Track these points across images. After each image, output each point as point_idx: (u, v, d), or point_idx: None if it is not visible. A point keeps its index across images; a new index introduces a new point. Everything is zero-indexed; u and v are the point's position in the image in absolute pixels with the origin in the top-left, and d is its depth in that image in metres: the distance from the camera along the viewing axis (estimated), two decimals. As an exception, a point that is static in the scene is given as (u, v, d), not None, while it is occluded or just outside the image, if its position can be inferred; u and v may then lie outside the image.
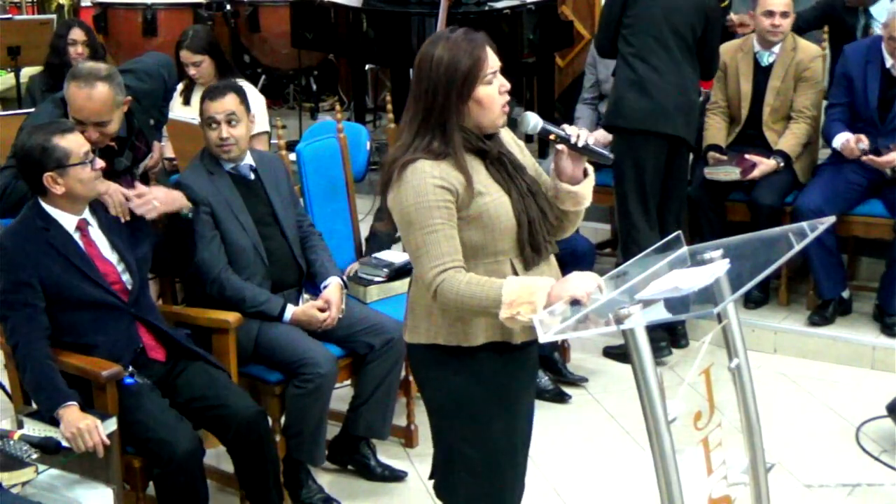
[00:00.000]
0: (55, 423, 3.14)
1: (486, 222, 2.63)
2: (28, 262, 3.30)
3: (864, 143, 4.95)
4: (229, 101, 3.85)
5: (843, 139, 5.01)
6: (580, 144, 2.66)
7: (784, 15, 5.19)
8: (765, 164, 5.12)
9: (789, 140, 5.19)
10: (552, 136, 2.69)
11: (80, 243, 3.40)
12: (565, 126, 2.70)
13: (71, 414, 3.14)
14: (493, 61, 2.63)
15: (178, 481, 3.29)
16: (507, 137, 2.79)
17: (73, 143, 3.33)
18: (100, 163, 3.39)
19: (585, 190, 2.75)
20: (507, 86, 2.66)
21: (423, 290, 2.65)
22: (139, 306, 3.48)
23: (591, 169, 2.77)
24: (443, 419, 2.81)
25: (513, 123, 2.78)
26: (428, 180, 2.57)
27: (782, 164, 5.12)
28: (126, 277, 3.46)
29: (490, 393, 2.73)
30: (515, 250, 2.68)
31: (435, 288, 2.57)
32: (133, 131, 3.96)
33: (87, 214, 3.44)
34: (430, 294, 2.59)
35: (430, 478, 3.04)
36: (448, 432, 2.81)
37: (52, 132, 3.34)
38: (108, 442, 3.13)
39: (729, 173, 5.17)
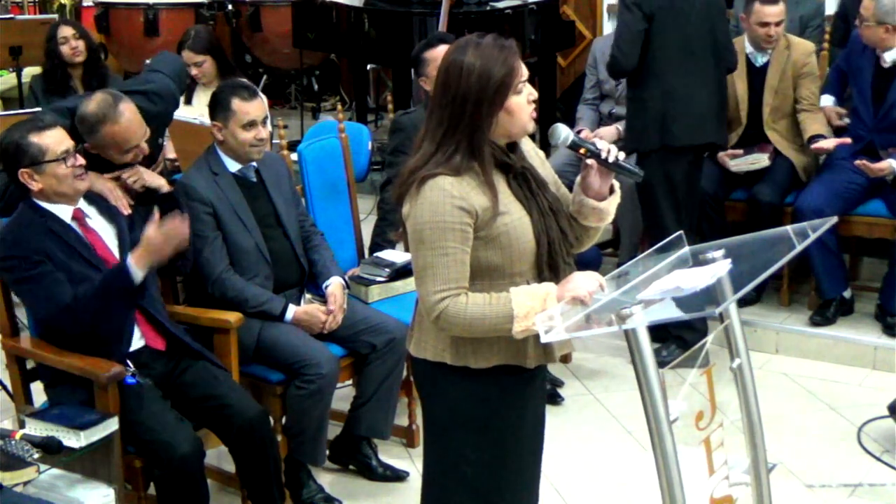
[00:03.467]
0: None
1: (506, 243, 2.54)
2: (35, 246, 3.31)
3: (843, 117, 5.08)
4: (260, 103, 3.88)
5: (829, 101, 5.18)
6: (611, 160, 2.59)
7: (778, 24, 5.15)
8: (828, 141, 5.04)
9: (815, 126, 5.13)
10: (582, 151, 2.60)
11: (80, 231, 3.41)
12: (596, 140, 2.62)
13: None
14: (523, 69, 2.53)
15: (178, 483, 3.29)
16: (528, 147, 2.70)
17: (50, 140, 3.33)
18: (80, 160, 3.38)
19: (611, 207, 2.68)
20: (535, 94, 2.57)
21: None
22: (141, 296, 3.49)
23: (617, 185, 2.69)
24: (443, 435, 2.72)
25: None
26: (447, 199, 2.47)
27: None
28: None
29: (498, 412, 2.65)
30: (533, 271, 2.58)
31: (438, 313, 2.49)
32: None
33: (83, 205, 3.45)
34: (431, 317, 2.51)
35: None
36: (447, 449, 2.71)
37: (29, 129, 3.34)
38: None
39: (757, 161, 5.15)
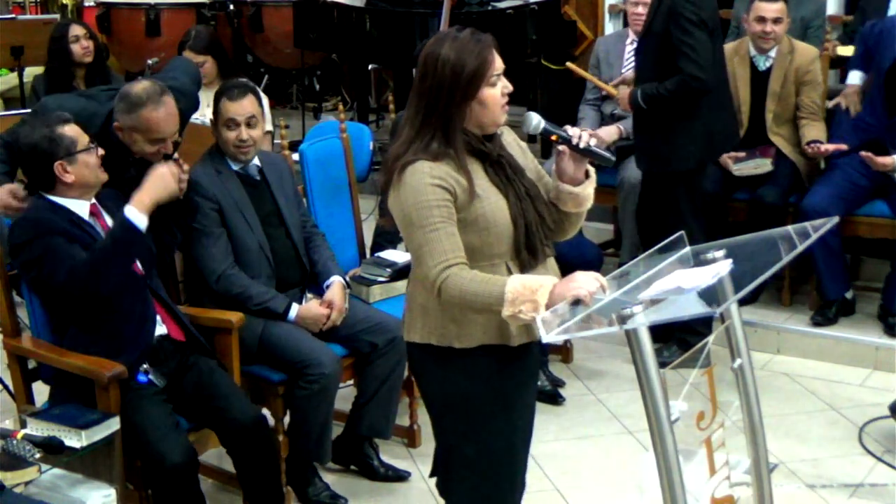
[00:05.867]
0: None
1: (483, 226, 2.63)
2: (53, 227, 3.31)
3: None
4: (248, 104, 3.86)
5: (857, 78, 5.11)
6: (581, 146, 2.67)
7: (776, 21, 5.13)
8: (825, 145, 5.04)
9: (814, 132, 5.13)
10: (554, 137, 2.68)
11: (98, 226, 3.42)
12: (567, 127, 2.69)
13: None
14: (497, 63, 2.63)
15: (169, 491, 3.30)
16: (510, 139, 2.80)
17: (76, 132, 3.38)
18: (100, 150, 3.42)
19: (587, 191, 2.75)
20: (510, 88, 2.66)
21: (419, 288, 2.67)
22: (155, 284, 3.53)
23: (592, 170, 2.76)
24: (441, 417, 2.82)
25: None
26: (426, 180, 2.57)
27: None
28: (138, 259, 3.47)
29: (487, 391, 2.73)
30: (511, 254, 2.67)
31: (439, 285, 2.56)
32: None
33: (94, 201, 3.47)
34: (434, 291, 2.58)
35: (432, 475, 3.05)
36: (446, 430, 2.82)
37: (53, 123, 3.37)
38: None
39: (760, 166, 5.15)
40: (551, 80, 6.82)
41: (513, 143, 2.80)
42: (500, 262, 2.66)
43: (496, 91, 2.63)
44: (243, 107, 3.84)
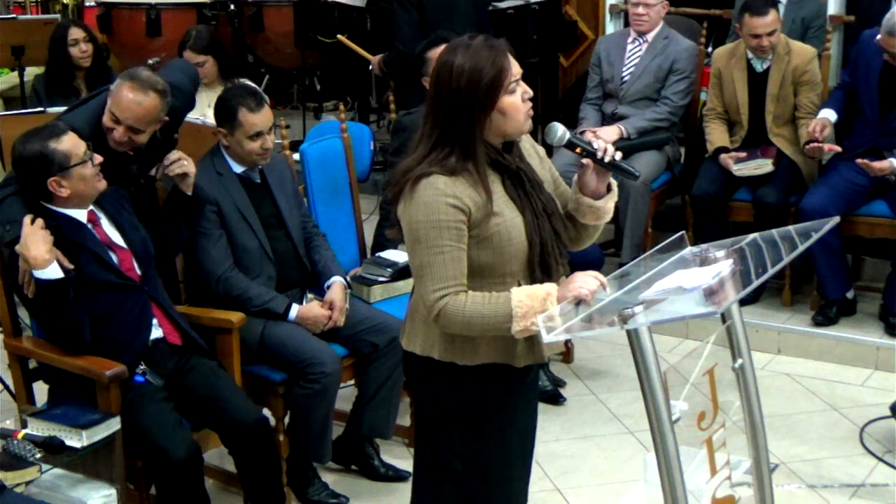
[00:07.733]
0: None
1: (497, 243, 2.54)
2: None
3: (825, 147, 5.00)
4: (267, 112, 3.87)
5: (823, 117, 5.05)
6: (606, 160, 2.60)
7: (771, 34, 5.11)
8: (823, 144, 5.02)
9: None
10: (578, 150, 2.61)
11: (95, 233, 3.42)
12: (592, 139, 2.63)
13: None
14: (515, 69, 2.53)
15: (175, 487, 3.30)
16: (527, 145, 2.72)
17: (70, 144, 3.34)
18: (98, 157, 3.40)
19: (608, 205, 2.69)
20: (530, 93, 2.56)
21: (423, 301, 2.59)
22: (151, 287, 3.51)
23: (615, 184, 2.70)
24: (432, 428, 2.73)
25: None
26: (440, 198, 2.48)
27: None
28: (136, 263, 3.48)
29: (485, 407, 2.65)
30: (525, 272, 2.59)
31: (437, 312, 2.50)
32: (154, 144, 3.93)
33: (92, 208, 3.46)
34: (432, 316, 2.52)
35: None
36: (436, 442, 2.72)
37: (47, 137, 3.33)
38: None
39: (761, 166, 5.14)
40: (329, 54, 7.18)
41: (531, 150, 2.72)
42: (513, 280, 2.57)
43: (516, 98, 2.52)
44: (265, 117, 3.85)
